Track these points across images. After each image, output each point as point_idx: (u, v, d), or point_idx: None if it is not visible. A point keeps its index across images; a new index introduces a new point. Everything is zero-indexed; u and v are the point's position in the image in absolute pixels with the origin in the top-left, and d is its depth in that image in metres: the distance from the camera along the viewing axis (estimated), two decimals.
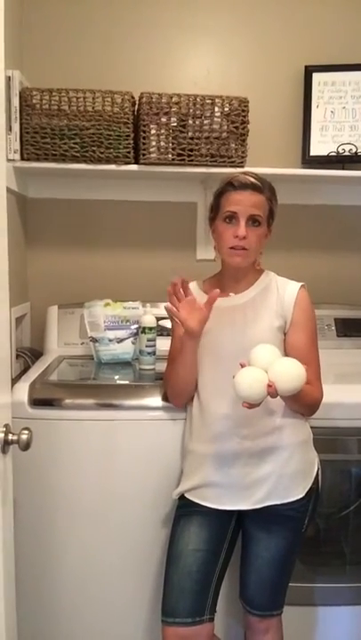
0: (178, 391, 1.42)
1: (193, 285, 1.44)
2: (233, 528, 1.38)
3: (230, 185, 1.33)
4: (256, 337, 1.30)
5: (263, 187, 1.33)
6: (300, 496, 1.32)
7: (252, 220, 1.31)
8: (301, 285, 1.38)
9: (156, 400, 1.48)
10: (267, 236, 1.37)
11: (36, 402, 1.46)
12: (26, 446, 1.04)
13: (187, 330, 1.28)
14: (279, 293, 1.37)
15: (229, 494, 1.33)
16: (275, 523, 1.33)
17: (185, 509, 1.37)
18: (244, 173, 1.35)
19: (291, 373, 1.16)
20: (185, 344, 1.32)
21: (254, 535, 1.36)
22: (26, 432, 1.04)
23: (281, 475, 1.31)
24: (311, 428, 1.41)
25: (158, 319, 1.74)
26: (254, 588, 1.37)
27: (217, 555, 1.35)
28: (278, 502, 1.31)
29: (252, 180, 1.32)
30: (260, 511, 1.32)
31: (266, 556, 1.34)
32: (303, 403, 1.30)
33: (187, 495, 1.37)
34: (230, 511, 1.34)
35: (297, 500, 1.32)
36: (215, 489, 1.33)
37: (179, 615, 1.29)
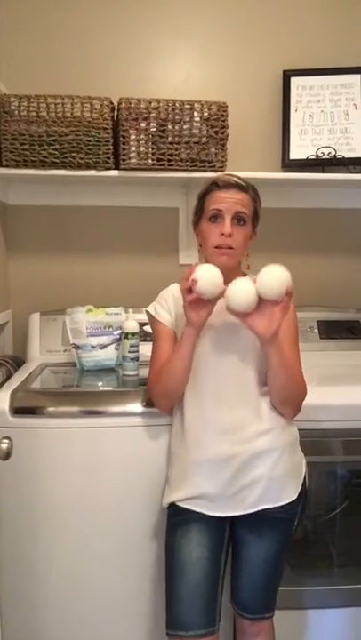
0: (168, 392, 1.36)
1: (176, 287, 1.42)
2: (228, 532, 1.36)
3: (214, 184, 1.32)
4: (240, 340, 1.29)
5: (247, 187, 1.33)
6: (293, 498, 1.31)
7: (238, 219, 1.30)
8: None
9: (140, 406, 1.47)
10: (252, 238, 1.36)
11: (18, 410, 1.44)
12: (6, 456, 1.03)
13: (190, 319, 1.24)
14: None
15: (222, 502, 1.31)
16: (265, 526, 1.32)
17: (179, 517, 1.33)
18: (228, 174, 1.35)
19: (277, 273, 1.19)
20: (186, 336, 1.27)
21: (245, 539, 1.35)
22: (6, 441, 1.03)
23: (271, 478, 1.30)
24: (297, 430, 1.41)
25: (141, 325, 1.72)
26: (246, 591, 1.36)
27: (219, 560, 1.33)
28: (271, 506, 1.30)
29: (237, 180, 1.32)
30: (252, 515, 1.30)
31: (256, 559, 1.34)
32: (286, 377, 1.27)
33: (179, 503, 1.33)
34: (225, 516, 1.32)
35: (289, 502, 1.31)
36: (207, 498, 1.31)
37: (192, 628, 1.26)
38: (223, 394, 1.31)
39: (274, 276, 1.19)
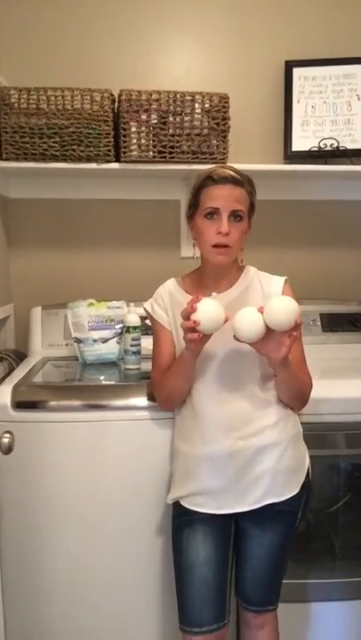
0: (171, 399, 1.38)
1: (172, 282, 1.41)
2: (233, 529, 1.36)
3: (210, 179, 1.28)
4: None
5: (243, 180, 1.29)
6: (296, 491, 1.31)
7: (234, 216, 1.27)
8: (285, 279, 1.36)
9: (142, 400, 1.47)
10: (247, 232, 1.34)
11: (20, 404, 1.44)
12: (8, 450, 1.03)
13: (189, 347, 1.23)
14: (263, 289, 1.34)
15: (227, 498, 1.30)
16: (269, 519, 1.32)
17: (185, 518, 1.33)
18: (222, 167, 1.32)
19: (285, 306, 1.18)
20: (186, 358, 1.27)
21: (249, 532, 1.34)
22: (7, 435, 1.03)
23: (276, 472, 1.29)
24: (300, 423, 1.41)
25: (143, 318, 1.72)
26: (250, 584, 1.36)
27: (226, 558, 1.34)
28: (276, 500, 1.29)
29: (232, 173, 1.28)
30: (256, 509, 1.30)
31: (260, 552, 1.34)
32: (295, 385, 1.30)
33: (183, 504, 1.33)
34: (230, 514, 1.32)
35: (292, 496, 1.31)
36: (212, 494, 1.31)
37: (205, 624, 1.29)
38: (228, 389, 1.30)
39: (282, 309, 1.16)
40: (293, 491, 1.31)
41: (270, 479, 1.29)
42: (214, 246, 1.28)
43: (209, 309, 1.17)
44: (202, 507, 1.31)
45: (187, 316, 1.18)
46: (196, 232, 1.33)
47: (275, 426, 1.30)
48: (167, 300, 1.39)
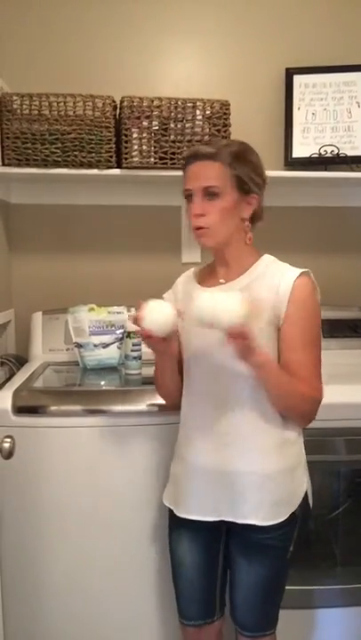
0: (163, 394, 1.40)
1: (189, 272, 1.36)
2: (225, 541, 1.32)
3: (184, 159, 1.22)
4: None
5: (218, 153, 1.16)
6: (281, 520, 1.20)
7: (209, 194, 1.16)
8: (302, 273, 1.19)
9: (143, 405, 1.47)
10: (236, 207, 1.19)
11: (20, 409, 1.44)
12: (8, 455, 1.03)
13: (150, 347, 1.21)
14: (275, 282, 1.19)
15: (210, 504, 1.24)
16: (254, 552, 1.25)
17: (174, 520, 1.32)
18: (203, 143, 1.26)
19: (200, 301, 1.06)
20: (156, 356, 1.28)
21: (236, 561, 1.29)
22: (8, 440, 1.03)
23: (259, 499, 1.20)
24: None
25: None
26: (242, 609, 1.31)
27: (214, 564, 1.32)
28: (258, 523, 1.20)
29: (202, 147, 1.18)
30: (243, 537, 1.25)
31: (249, 580, 1.27)
32: (282, 394, 1.17)
33: (170, 507, 1.31)
34: (218, 524, 1.26)
35: (277, 528, 1.21)
36: (197, 498, 1.25)
37: (192, 619, 1.34)
38: (214, 396, 1.22)
39: (197, 306, 1.06)
40: (277, 519, 1.20)
41: (256, 503, 1.20)
42: (194, 229, 1.20)
43: (152, 310, 1.12)
44: (188, 513, 1.26)
45: (134, 321, 1.14)
46: None
47: (256, 451, 1.20)
48: (180, 290, 1.34)
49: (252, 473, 1.21)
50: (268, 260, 1.25)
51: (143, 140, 1.78)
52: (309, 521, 1.59)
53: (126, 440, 1.46)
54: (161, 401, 1.43)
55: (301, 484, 1.26)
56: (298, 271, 1.19)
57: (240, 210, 1.21)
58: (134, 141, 1.78)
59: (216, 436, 1.22)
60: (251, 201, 1.21)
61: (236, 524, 1.23)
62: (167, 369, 1.30)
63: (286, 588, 1.39)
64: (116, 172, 1.81)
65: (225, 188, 1.17)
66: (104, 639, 1.54)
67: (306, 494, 1.28)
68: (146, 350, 1.66)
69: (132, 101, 1.75)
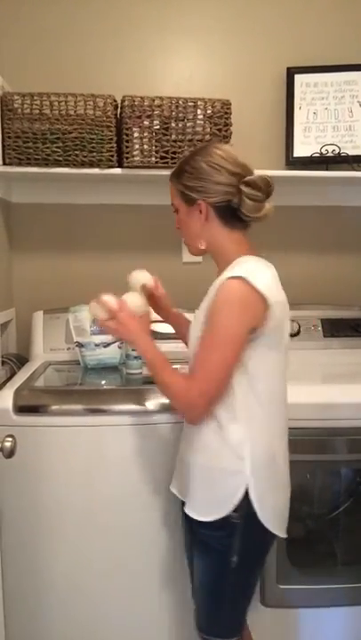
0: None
1: None
2: None
3: None
4: (193, 336, 1.24)
5: (172, 174, 1.29)
6: (212, 519, 1.19)
7: (175, 210, 1.31)
8: (234, 276, 1.13)
9: (144, 404, 1.47)
10: (190, 217, 1.25)
11: (22, 408, 1.44)
12: (9, 454, 1.03)
13: None
14: (215, 285, 1.20)
15: (177, 489, 1.34)
16: (200, 549, 1.27)
17: None
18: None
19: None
20: None
21: (192, 550, 1.33)
22: (9, 439, 1.03)
23: (199, 494, 1.23)
24: (301, 428, 1.40)
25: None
26: (195, 605, 1.33)
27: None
28: (193, 515, 1.23)
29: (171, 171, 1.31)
30: (194, 533, 1.27)
31: (196, 577, 1.31)
32: (161, 388, 1.21)
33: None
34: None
35: (213, 529, 1.20)
36: (174, 480, 1.36)
37: None
38: None
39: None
40: (208, 517, 1.20)
41: (194, 495, 1.24)
42: None
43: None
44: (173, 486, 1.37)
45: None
46: None
47: (205, 448, 1.21)
48: None
49: (194, 466, 1.24)
50: (236, 261, 1.21)
51: (144, 140, 1.78)
52: (309, 520, 1.60)
53: (127, 439, 1.47)
54: (162, 400, 1.43)
55: (236, 492, 1.18)
56: (232, 274, 1.14)
57: (194, 220, 1.25)
58: (135, 141, 1.78)
59: (184, 425, 1.30)
60: (199, 208, 1.23)
61: None
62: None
63: (288, 587, 1.40)
64: (117, 171, 1.81)
65: (178, 203, 1.28)
66: (104, 634, 1.54)
67: (253, 509, 1.19)
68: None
69: (133, 101, 1.75)
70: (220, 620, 1.28)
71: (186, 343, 1.36)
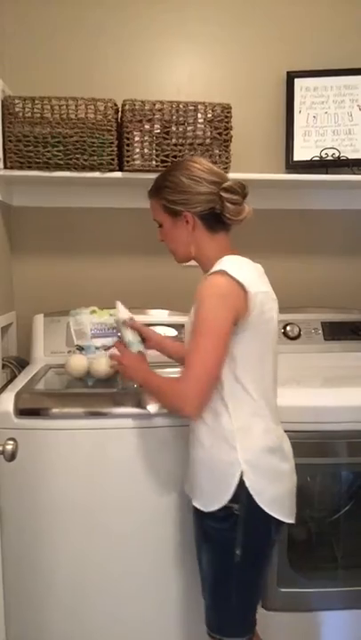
0: None
1: None
2: None
3: None
4: (188, 337, 1.32)
5: (150, 190, 1.36)
6: (213, 509, 1.24)
7: (158, 225, 1.37)
8: (217, 271, 1.21)
9: (144, 407, 1.47)
10: (176, 229, 1.32)
11: (23, 412, 1.44)
12: (11, 457, 1.03)
13: None
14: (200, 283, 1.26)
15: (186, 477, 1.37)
16: (206, 540, 1.30)
17: None
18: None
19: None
20: None
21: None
22: (11, 442, 1.03)
23: (201, 485, 1.29)
24: (301, 431, 1.40)
25: (146, 325, 1.72)
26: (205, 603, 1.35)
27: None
28: (199, 507, 1.27)
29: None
30: (201, 526, 1.30)
31: (202, 572, 1.34)
32: (158, 399, 1.35)
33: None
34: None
35: (215, 520, 1.25)
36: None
37: None
38: None
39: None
40: (209, 508, 1.24)
41: (198, 487, 1.29)
42: None
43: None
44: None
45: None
46: None
47: (204, 441, 1.27)
48: None
49: (196, 461, 1.30)
50: (219, 260, 1.26)
51: (145, 143, 1.79)
52: (310, 523, 1.60)
53: (128, 442, 1.47)
54: None
55: (232, 480, 1.22)
56: (216, 269, 1.22)
57: (180, 230, 1.32)
58: (136, 144, 1.78)
59: (190, 426, 1.33)
60: (185, 219, 1.30)
61: None
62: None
63: (288, 590, 1.40)
64: (118, 174, 1.81)
65: (162, 218, 1.34)
66: (106, 637, 1.54)
67: (252, 498, 1.22)
68: (149, 352, 1.68)
69: (134, 104, 1.76)
70: (226, 618, 1.30)
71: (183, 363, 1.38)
